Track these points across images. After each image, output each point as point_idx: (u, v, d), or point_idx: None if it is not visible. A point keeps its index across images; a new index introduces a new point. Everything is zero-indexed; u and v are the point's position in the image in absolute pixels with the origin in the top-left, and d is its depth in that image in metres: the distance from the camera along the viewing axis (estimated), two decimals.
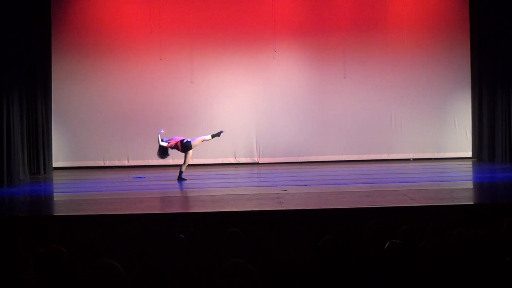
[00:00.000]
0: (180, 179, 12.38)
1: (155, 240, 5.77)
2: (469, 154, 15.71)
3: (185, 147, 12.41)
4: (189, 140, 12.48)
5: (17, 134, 12.62)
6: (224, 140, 15.38)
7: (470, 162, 15.25)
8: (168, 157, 12.92)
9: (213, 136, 12.66)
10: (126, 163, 15.41)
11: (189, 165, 15.20)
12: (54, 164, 14.98)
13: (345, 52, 15.58)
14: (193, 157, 15.40)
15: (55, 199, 11.31)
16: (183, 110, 15.43)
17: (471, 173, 13.84)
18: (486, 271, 4.20)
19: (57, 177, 14.05)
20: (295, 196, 10.02)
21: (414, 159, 15.66)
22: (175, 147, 12.47)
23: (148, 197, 10.25)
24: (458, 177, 12.86)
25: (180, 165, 12.68)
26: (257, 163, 15.51)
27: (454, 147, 15.75)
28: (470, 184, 12.15)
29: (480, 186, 11.63)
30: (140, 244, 5.56)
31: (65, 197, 11.13)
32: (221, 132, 12.63)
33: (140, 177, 13.16)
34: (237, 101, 15.52)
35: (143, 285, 4.15)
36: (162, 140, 12.45)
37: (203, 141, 12.72)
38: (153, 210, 8.95)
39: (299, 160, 15.45)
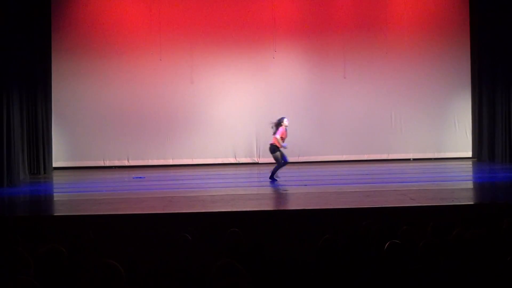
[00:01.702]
0: (272, 177, 11.83)
1: (155, 240, 5.78)
2: (469, 154, 15.71)
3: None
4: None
5: (17, 134, 12.61)
6: (224, 140, 15.43)
7: (470, 162, 15.25)
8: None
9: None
10: (126, 163, 15.40)
11: (190, 165, 15.28)
12: (54, 164, 14.97)
13: (345, 52, 15.58)
14: (193, 157, 15.49)
15: (55, 199, 11.30)
16: (183, 110, 15.43)
17: (471, 173, 13.84)
18: (486, 271, 4.20)
19: (57, 177, 14.04)
20: (295, 196, 10.02)
21: (414, 159, 15.66)
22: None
23: (148, 197, 10.25)
24: (458, 177, 12.86)
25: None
26: (257, 163, 15.50)
27: (454, 147, 15.75)
28: (470, 184, 12.15)
29: (480, 186, 11.63)
30: (140, 244, 5.56)
31: (65, 197, 11.12)
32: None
33: (140, 177, 13.15)
34: (237, 101, 15.51)
35: (143, 285, 4.15)
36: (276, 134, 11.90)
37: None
38: (153, 210, 8.95)
39: (299, 160, 15.43)
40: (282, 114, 15.53)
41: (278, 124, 11.93)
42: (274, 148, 11.88)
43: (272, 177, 11.74)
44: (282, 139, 11.94)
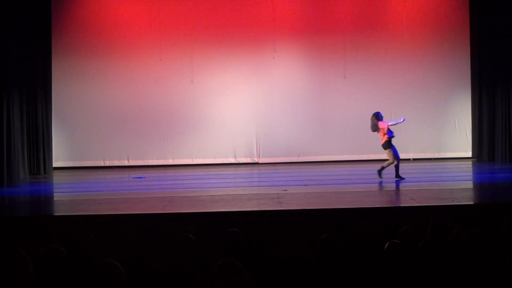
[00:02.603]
0: (398, 176, 11.55)
1: (155, 240, 5.78)
2: (469, 154, 15.70)
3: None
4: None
5: (17, 134, 12.61)
6: (224, 140, 15.43)
7: (470, 162, 15.24)
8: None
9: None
10: (126, 163, 15.40)
11: (190, 165, 15.28)
12: (54, 164, 14.97)
13: (345, 52, 15.58)
14: (193, 157, 15.49)
15: (55, 199, 11.30)
16: (183, 110, 15.43)
17: (471, 173, 13.83)
18: (486, 271, 4.20)
19: (57, 177, 14.05)
20: (295, 196, 10.02)
21: (414, 159, 15.65)
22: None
23: (148, 197, 10.25)
24: (458, 177, 12.86)
25: None
26: (257, 163, 15.50)
27: (454, 147, 15.74)
28: (470, 184, 12.14)
29: (480, 186, 11.62)
30: (140, 244, 5.56)
31: (65, 197, 11.12)
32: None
33: (140, 177, 13.15)
34: (237, 101, 15.51)
35: (143, 285, 4.15)
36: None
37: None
38: (153, 210, 8.95)
39: (299, 160, 15.44)
40: (282, 113, 15.60)
41: (376, 119, 11.83)
42: (386, 144, 11.78)
43: (398, 176, 11.54)
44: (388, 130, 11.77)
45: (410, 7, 15.63)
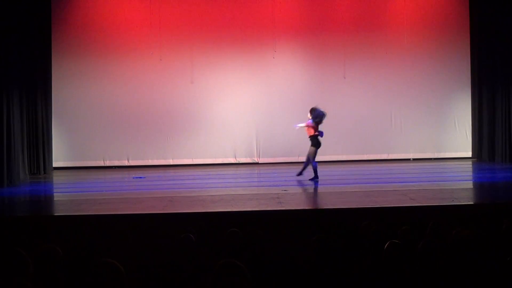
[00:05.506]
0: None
1: (155, 240, 5.78)
2: (469, 154, 15.71)
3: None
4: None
5: (17, 134, 12.61)
6: (224, 140, 15.43)
7: (470, 162, 15.25)
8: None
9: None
10: (126, 163, 15.40)
11: (190, 165, 15.28)
12: (54, 164, 14.97)
13: (345, 52, 15.58)
14: (193, 157, 15.49)
15: (55, 199, 11.30)
16: (183, 110, 15.43)
17: (471, 173, 13.83)
18: (486, 271, 4.20)
19: (57, 177, 14.04)
20: (295, 196, 10.02)
21: (414, 159, 15.66)
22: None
23: (148, 197, 10.25)
24: (458, 177, 12.86)
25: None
26: (257, 163, 15.51)
27: (454, 147, 15.75)
28: (470, 184, 12.14)
29: (480, 186, 11.63)
30: (140, 244, 5.56)
31: (65, 197, 11.12)
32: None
33: (140, 177, 13.15)
34: (237, 101, 15.52)
35: (143, 285, 4.15)
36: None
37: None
38: (153, 210, 8.94)
39: (299, 160, 15.38)
40: (282, 113, 15.59)
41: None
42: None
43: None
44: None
45: (410, 7, 15.64)
